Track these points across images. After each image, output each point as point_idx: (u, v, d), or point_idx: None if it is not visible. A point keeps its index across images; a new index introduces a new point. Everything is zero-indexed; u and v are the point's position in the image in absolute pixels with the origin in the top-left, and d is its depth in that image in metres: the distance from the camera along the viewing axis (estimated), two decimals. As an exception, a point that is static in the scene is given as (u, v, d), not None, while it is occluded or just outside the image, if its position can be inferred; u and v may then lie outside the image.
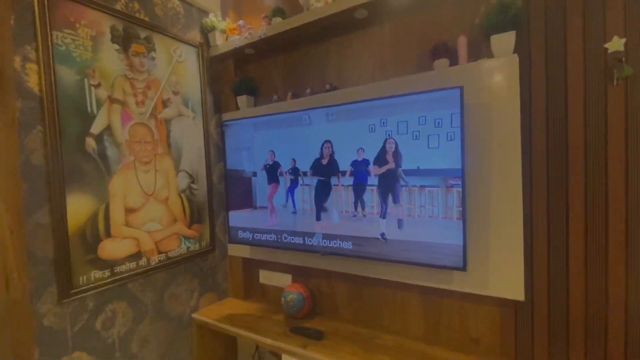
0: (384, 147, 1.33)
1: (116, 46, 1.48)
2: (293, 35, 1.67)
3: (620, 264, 1.09)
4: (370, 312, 1.61)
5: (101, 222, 1.42)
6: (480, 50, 1.28)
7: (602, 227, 1.11)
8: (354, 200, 1.43)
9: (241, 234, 1.76)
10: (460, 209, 1.20)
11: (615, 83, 1.07)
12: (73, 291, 1.32)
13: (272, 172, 1.64)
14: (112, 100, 1.46)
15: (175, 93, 1.74)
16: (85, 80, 1.37)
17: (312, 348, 1.41)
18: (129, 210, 1.52)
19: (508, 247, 1.21)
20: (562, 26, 1.14)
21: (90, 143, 1.39)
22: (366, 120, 1.36)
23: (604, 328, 1.12)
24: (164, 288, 1.68)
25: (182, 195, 1.77)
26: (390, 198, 1.34)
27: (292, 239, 1.59)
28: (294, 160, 1.55)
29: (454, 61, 1.31)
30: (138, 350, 1.55)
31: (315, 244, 1.52)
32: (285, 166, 1.58)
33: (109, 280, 1.44)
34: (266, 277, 1.96)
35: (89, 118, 1.39)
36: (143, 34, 1.59)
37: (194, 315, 1.79)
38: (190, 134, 1.81)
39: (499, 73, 1.19)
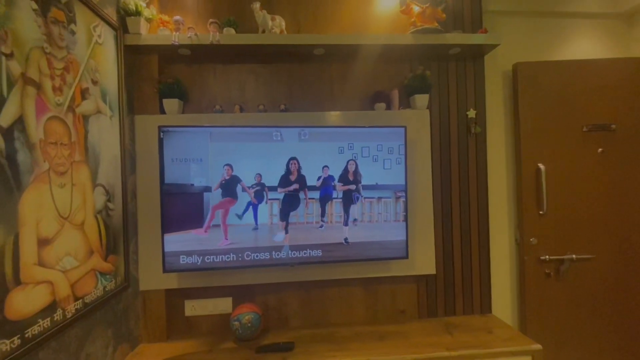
0: (346, 167, 1.61)
1: (34, 5, 1.03)
2: (243, 49, 1.67)
3: (476, 244, 1.85)
4: (318, 313, 1.78)
5: (8, 262, 0.92)
6: (404, 102, 1.81)
7: (467, 220, 1.85)
8: (320, 211, 1.61)
9: (184, 260, 1.51)
10: (405, 213, 1.66)
11: (471, 135, 1.85)
12: (-32, 383, 0.80)
13: (230, 187, 1.55)
14: (26, 80, 1.00)
15: (95, 82, 1.33)
16: (-7, 45, 0.89)
17: (294, 358, 1.45)
18: (43, 242, 1.04)
19: (425, 238, 1.77)
20: (446, 97, 1.84)
21: (-3, 141, 0.90)
22: (337, 143, 1.60)
23: (470, 283, 1.85)
24: (79, 349, 1.20)
25: (99, 217, 1.33)
26: (351, 208, 1.63)
27: (256, 255, 1.56)
28: (260, 176, 1.55)
29: (388, 106, 1.78)
30: None
31: (304, 255, 1.58)
32: (249, 181, 1.55)
33: (19, 352, 0.93)
34: (196, 307, 1.72)
35: (-3, 102, 0.90)
36: (63, -3, 1.16)
37: (111, 377, 1.35)
38: (107, 138, 1.41)
39: (420, 120, 1.75)
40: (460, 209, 1.84)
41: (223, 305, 1.73)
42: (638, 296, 1.84)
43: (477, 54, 1.81)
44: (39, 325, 1.02)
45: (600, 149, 1.84)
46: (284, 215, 1.59)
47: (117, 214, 1.46)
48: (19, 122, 0.97)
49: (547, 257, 1.83)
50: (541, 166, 1.82)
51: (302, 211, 1.59)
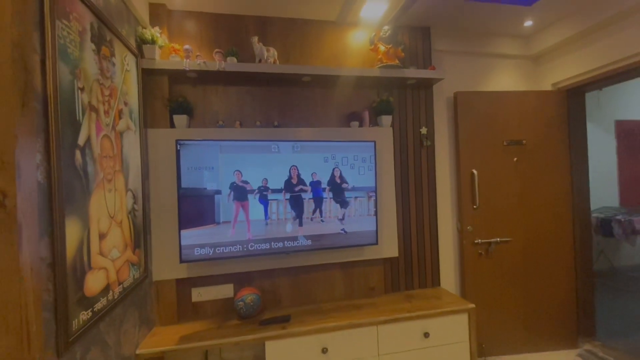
0: (333, 173, 2.02)
1: (93, 46, 1.29)
2: (243, 74, 1.99)
3: (427, 232, 2.35)
4: (306, 293, 2.16)
5: (85, 251, 1.18)
6: (372, 120, 2.26)
7: (421, 214, 2.35)
8: (313, 208, 1.99)
9: (198, 251, 1.80)
10: (375, 209, 2.10)
11: (423, 148, 2.35)
12: (70, 340, 1.06)
13: (240, 190, 1.87)
14: (91, 107, 1.26)
15: (126, 104, 1.58)
16: (75, 82, 1.15)
17: (291, 327, 1.81)
18: (101, 236, 1.31)
19: (390, 228, 2.23)
20: (404, 118, 2.33)
21: (78, 157, 1.16)
22: (322, 154, 1.99)
23: (424, 263, 2.35)
24: (120, 325, 1.46)
25: (129, 217, 1.59)
26: (338, 206, 2.04)
27: (259, 246, 1.90)
28: (266, 180, 1.89)
29: (361, 124, 2.21)
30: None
31: (297, 244, 1.96)
32: (256, 185, 1.88)
33: (91, 322, 1.20)
34: (201, 294, 2.00)
35: (77, 127, 1.16)
36: (108, 36, 1.42)
37: (141, 351, 1.61)
38: (133, 149, 1.66)
39: (385, 135, 2.21)
40: (416, 205, 2.34)
41: (225, 291, 2.03)
42: (540, 267, 2.47)
43: (427, 84, 2.31)
44: (101, 302, 1.28)
45: (515, 158, 2.44)
46: (290, 212, 1.94)
47: (140, 214, 1.72)
48: (88, 141, 1.23)
49: (480, 240, 2.39)
50: (474, 171, 2.38)
51: (305, 209, 1.96)
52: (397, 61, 2.14)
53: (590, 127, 4.22)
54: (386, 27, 2.16)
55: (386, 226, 2.22)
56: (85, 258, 1.18)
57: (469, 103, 2.40)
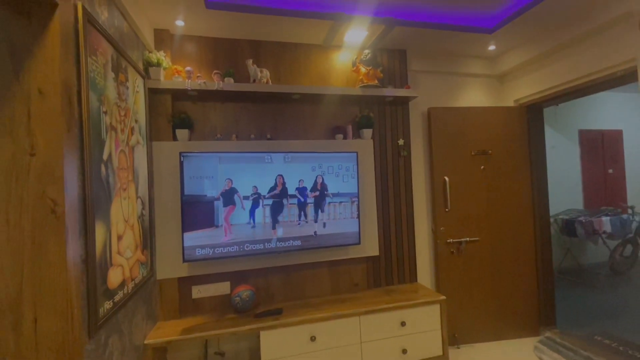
0: (315, 180, 2.26)
1: (113, 75, 1.50)
2: (239, 93, 2.23)
3: (405, 232, 2.62)
4: (296, 290, 2.38)
5: (107, 250, 1.39)
6: (355, 133, 2.52)
7: (399, 216, 2.61)
8: (298, 212, 2.23)
9: (199, 252, 2.01)
10: (358, 212, 2.35)
11: (401, 157, 2.62)
12: (98, 324, 1.26)
13: (229, 196, 2.08)
14: (112, 127, 1.47)
15: (136, 121, 1.79)
16: (100, 107, 1.37)
17: (283, 318, 2.03)
18: (119, 238, 1.51)
19: (371, 229, 2.48)
20: (384, 131, 2.60)
21: (103, 170, 1.37)
22: (310, 164, 2.23)
23: (402, 261, 2.61)
24: (132, 318, 1.66)
25: (139, 221, 1.79)
26: (319, 210, 2.28)
27: (254, 246, 2.11)
28: (256, 187, 2.12)
29: (345, 136, 2.47)
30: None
31: (287, 245, 2.18)
32: (248, 192, 2.10)
33: (112, 311, 1.39)
34: (201, 291, 2.20)
35: (102, 145, 1.37)
36: (124, 64, 1.63)
37: (148, 341, 1.80)
38: (142, 161, 1.86)
39: (367, 147, 2.47)
40: (395, 208, 2.60)
41: (223, 288, 2.24)
42: (506, 263, 2.76)
43: (404, 101, 2.59)
44: (119, 295, 1.48)
45: (482, 167, 2.74)
46: (273, 216, 2.17)
47: (147, 219, 1.91)
48: (110, 156, 1.44)
49: (451, 240, 2.67)
50: (446, 178, 2.67)
51: (286, 212, 2.19)
52: (376, 81, 2.41)
53: (558, 137, 4.63)
54: (367, 51, 2.43)
55: (368, 228, 2.47)
56: (108, 256, 1.38)
57: (441, 117, 2.69)
